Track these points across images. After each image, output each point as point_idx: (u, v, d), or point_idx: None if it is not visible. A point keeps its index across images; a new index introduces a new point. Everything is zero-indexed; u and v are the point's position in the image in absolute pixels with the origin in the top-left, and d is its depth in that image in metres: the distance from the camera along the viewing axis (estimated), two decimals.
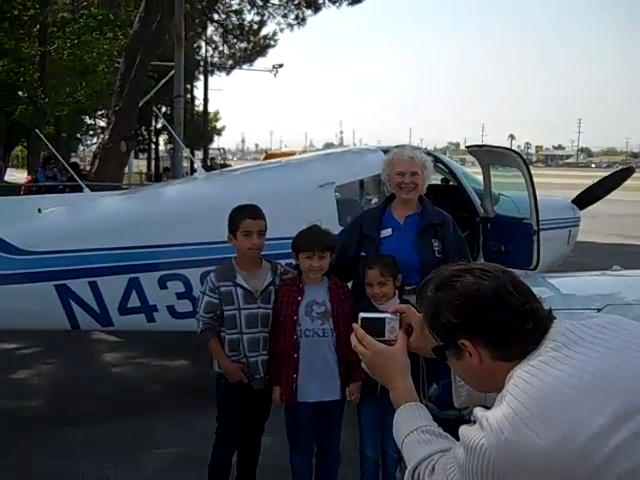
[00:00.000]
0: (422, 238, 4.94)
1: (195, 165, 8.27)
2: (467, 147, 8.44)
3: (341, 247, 4.90)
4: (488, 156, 7.96)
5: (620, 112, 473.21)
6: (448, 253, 4.89)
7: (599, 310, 5.38)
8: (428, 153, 8.70)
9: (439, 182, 9.33)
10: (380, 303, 4.47)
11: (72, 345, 8.52)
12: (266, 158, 40.51)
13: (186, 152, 14.77)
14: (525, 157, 7.73)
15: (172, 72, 21.89)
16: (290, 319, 4.47)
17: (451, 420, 4.64)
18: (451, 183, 9.05)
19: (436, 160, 8.75)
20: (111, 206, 7.53)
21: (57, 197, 8.66)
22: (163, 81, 25.04)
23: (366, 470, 4.70)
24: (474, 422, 1.91)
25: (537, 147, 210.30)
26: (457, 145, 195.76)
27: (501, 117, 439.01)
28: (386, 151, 7.97)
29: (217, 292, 4.59)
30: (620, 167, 11.23)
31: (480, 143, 8.67)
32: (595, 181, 10.09)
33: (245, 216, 4.67)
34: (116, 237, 6.35)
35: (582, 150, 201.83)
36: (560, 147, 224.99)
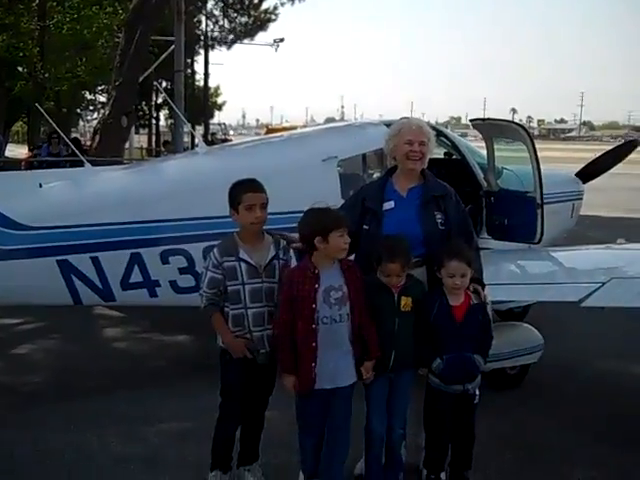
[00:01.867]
0: (425, 210, 4.89)
1: (196, 140, 8.19)
2: (471, 120, 8.35)
3: None
4: (492, 129, 7.88)
5: (623, 86, 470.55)
6: (451, 225, 4.87)
7: (604, 284, 5.38)
8: (431, 127, 8.70)
9: (442, 156, 9.26)
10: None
11: (75, 321, 8.52)
12: (267, 133, 40.43)
13: (187, 127, 14.69)
14: (529, 130, 7.65)
15: (172, 47, 21.75)
16: (309, 307, 4.32)
17: (452, 395, 4.67)
18: (454, 157, 8.98)
19: (439, 134, 8.68)
20: (112, 181, 7.47)
21: (58, 172, 8.58)
22: (163, 56, 24.86)
23: (372, 445, 4.68)
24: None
25: (539, 121, 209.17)
26: (458, 119, 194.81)
27: (503, 91, 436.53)
28: (389, 125, 7.94)
29: (220, 268, 4.54)
30: (623, 140, 11.11)
31: (483, 117, 8.51)
32: (599, 154, 10.00)
33: (246, 190, 4.62)
34: (118, 212, 6.32)
35: (584, 124, 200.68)
36: (562, 121, 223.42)
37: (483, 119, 8.05)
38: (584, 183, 9.70)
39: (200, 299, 4.65)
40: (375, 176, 8.08)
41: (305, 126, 48.05)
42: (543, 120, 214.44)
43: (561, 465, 5.31)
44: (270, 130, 41.59)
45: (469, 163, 8.09)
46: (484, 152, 8.24)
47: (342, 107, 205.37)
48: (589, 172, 9.82)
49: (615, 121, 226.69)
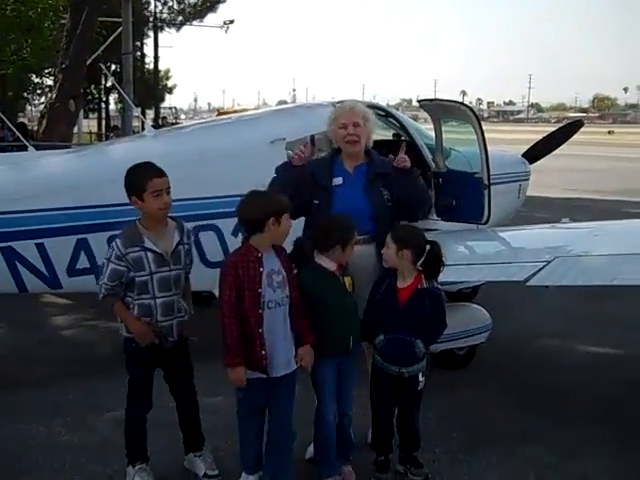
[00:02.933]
0: (371, 187, 4.98)
1: (145, 124, 8.06)
2: (419, 101, 8.36)
3: (291, 195, 4.72)
4: (439, 110, 7.90)
5: (570, 68, 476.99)
6: (398, 201, 4.97)
7: (548, 262, 5.44)
8: (379, 108, 8.70)
9: (391, 137, 9.26)
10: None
11: (21, 309, 8.37)
12: (219, 116, 40.14)
13: (136, 111, 14.49)
14: (477, 111, 7.68)
15: (120, 29, 21.43)
16: (254, 291, 4.20)
17: (391, 375, 4.70)
18: (403, 138, 8.99)
19: (388, 115, 8.72)
20: (57, 165, 7.32)
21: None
22: (111, 38, 24.52)
23: (325, 430, 4.64)
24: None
25: (488, 103, 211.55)
26: (409, 101, 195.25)
27: (453, 74, 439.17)
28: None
29: (124, 259, 4.38)
30: (569, 121, 11.22)
31: (431, 98, 8.54)
32: (545, 135, 10.10)
33: (152, 175, 4.46)
34: (62, 197, 6.20)
35: (532, 105, 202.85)
36: (511, 103, 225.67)
37: (431, 100, 8.08)
38: (530, 164, 9.80)
39: (99, 289, 4.49)
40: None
41: (256, 109, 47.91)
42: (493, 102, 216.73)
43: (509, 443, 5.37)
44: (221, 114, 41.08)
45: (417, 144, 8.10)
46: (432, 133, 8.28)
47: (294, 90, 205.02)
48: (535, 153, 9.93)
49: (562, 103, 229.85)
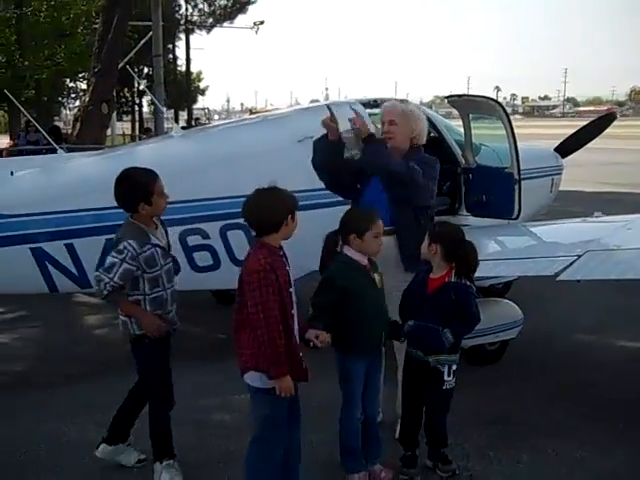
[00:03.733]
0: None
1: (172, 124, 8.10)
2: (447, 97, 8.31)
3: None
4: (468, 106, 7.85)
5: (606, 62, 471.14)
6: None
7: (579, 257, 5.37)
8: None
9: None
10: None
11: (52, 308, 8.46)
12: None
13: (166, 113, 14.57)
14: (505, 106, 7.59)
15: (151, 32, 21.60)
16: (288, 294, 4.04)
17: (418, 365, 4.65)
18: (432, 134, 8.93)
19: None
20: (85, 167, 7.39)
21: (30, 159, 8.47)
22: (143, 41, 24.70)
23: (351, 426, 4.61)
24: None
25: (523, 98, 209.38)
26: (442, 98, 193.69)
27: (487, 70, 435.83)
28: (365, 104, 7.89)
29: (137, 259, 4.43)
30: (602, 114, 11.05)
31: (460, 93, 8.47)
32: (578, 128, 9.97)
33: (155, 178, 4.61)
34: (91, 198, 6.24)
35: (568, 100, 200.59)
36: (546, 98, 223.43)
37: (459, 95, 8.01)
38: (563, 158, 9.68)
39: (101, 286, 4.41)
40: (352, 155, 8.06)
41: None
42: (527, 97, 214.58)
43: (539, 439, 5.31)
44: (254, 113, 41.43)
45: (446, 140, 8.05)
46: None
47: (326, 89, 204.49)
48: (568, 147, 9.80)
49: (598, 97, 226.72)
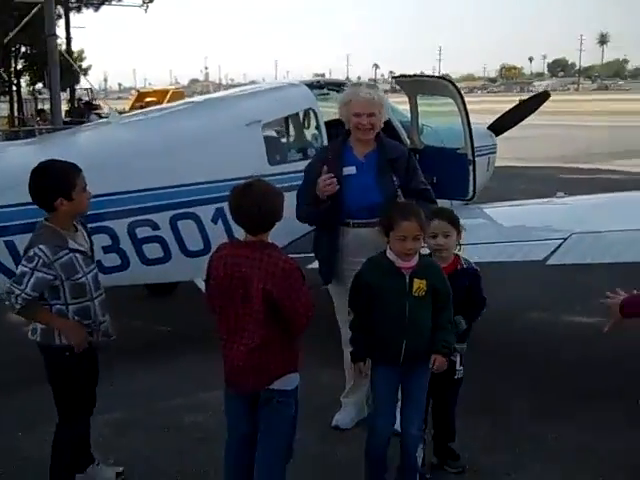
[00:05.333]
0: (382, 176, 4.92)
1: (107, 109, 7.53)
2: (394, 77, 8.16)
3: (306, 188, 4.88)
4: (417, 86, 7.71)
5: (478, 40, 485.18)
6: (407, 184, 4.95)
7: (565, 240, 5.30)
8: (341, 84, 8.43)
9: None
10: (406, 260, 4.04)
11: None
12: (138, 98, 39.17)
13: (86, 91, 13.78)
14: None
15: (35, 9, 20.60)
16: None
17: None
18: None
19: None
20: (19, 157, 6.78)
21: None
22: (27, 18, 23.38)
23: (372, 441, 4.29)
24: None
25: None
26: (323, 76, 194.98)
27: (365, 47, 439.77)
28: (309, 85, 7.63)
29: (53, 267, 3.92)
30: (537, 92, 11.14)
31: (403, 73, 8.24)
32: (511, 107, 10.01)
33: (77, 169, 4.10)
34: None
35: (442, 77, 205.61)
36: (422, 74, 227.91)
37: (410, 76, 7.87)
38: (497, 136, 9.72)
39: (12, 300, 3.92)
40: (297, 139, 7.81)
41: (178, 89, 46.95)
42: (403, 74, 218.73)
43: (533, 424, 5.24)
44: (141, 95, 40.30)
45: (390, 121, 7.87)
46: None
47: (206, 68, 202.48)
48: (501, 125, 9.85)
49: (471, 74, 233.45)
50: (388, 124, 7.84)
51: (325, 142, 7.18)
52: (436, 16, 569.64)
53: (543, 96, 10.13)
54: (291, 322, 3.76)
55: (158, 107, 9.77)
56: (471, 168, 7.30)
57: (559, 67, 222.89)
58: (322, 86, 7.96)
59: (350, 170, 4.91)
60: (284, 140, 7.70)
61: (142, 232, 6.33)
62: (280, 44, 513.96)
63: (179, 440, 5.14)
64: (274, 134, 7.58)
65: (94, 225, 5.81)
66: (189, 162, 6.57)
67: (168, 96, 34.54)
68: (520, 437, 5.08)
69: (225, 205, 6.49)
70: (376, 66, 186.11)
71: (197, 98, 10.29)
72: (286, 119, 7.68)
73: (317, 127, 7.37)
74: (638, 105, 55.17)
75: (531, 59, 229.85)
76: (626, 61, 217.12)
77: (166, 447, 5.04)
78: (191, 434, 5.23)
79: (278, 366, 3.82)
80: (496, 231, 6.48)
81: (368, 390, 4.64)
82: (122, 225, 6.18)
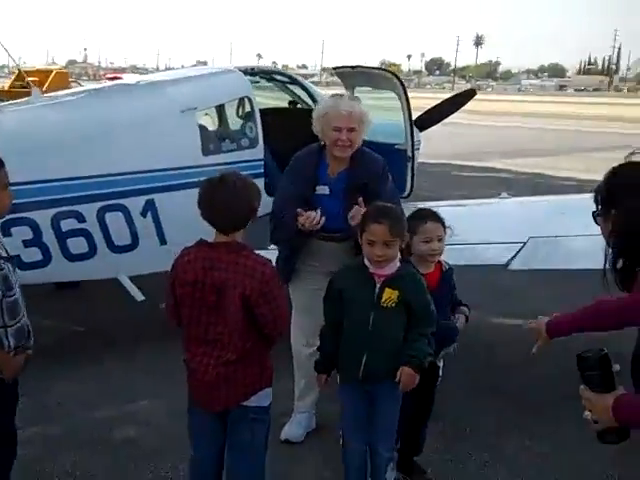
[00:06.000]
0: (350, 197, 4.38)
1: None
2: (334, 68, 7.87)
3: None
4: (358, 78, 7.46)
5: (359, 34, 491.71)
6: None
7: (524, 244, 5.15)
8: (283, 74, 8.11)
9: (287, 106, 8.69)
10: (380, 267, 3.71)
11: None
12: (17, 78, 37.10)
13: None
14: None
15: None
16: None
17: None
18: (299, 106, 8.46)
19: (293, 82, 8.21)
20: None
21: None
22: None
23: (344, 459, 3.99)
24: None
25: (283, 66, 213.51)
26: (205, 63, 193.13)
27: (248, 36, 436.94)
28: (244, 71, 7.26)
29: None
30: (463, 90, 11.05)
31: (346, 65, 7.93)
32: (436, 104, 9.88)
33: (0, 165, 3.45)
34: None
35: (324, 69, 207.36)
36: (304, 66, 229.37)
37: (353, 67, 7.59)
38: (421, 132, 9.56)
39: None
40: (232, 128, 7.43)
41: (63, 68, 44.90)
42: (287, 65, 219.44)
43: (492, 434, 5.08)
44: (21, 75, 38.15)
45: None
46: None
47: (85, 49, 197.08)
48: (426, 121, 9.68)
49: None
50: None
51: (260, 133, 6.85)
52: (319, 10, 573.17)
53: (469, 93, 10.08)
54: (268, 330, 3.45)
55: (86, 88, 9.07)
56: (410, 165, 7.10)
57: (435, 66, 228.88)
58: (255, 73, 7.60)
59: (323, 189, 4.54)
60: (219, 129, 7.29)
61: (66, 225, 5.87)
62: (161, 31, 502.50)
63: (115, 458, 4.62)
64: (209, 123, 7.18)
65: (14, 216, 5.37)
66: (119, 149, 6.15)
67: (51, 77, 32.90)
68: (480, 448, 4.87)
69: (155, 197, 6.27)
70: (259, 56, 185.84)
71: (128, 79, 9.72)
72: (221, 107, 7.27)
73: (252, 116, 6.99)
74: (507, 105, 57.09)
75: (409, 56, 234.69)
76: (498, 63, 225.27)
77: (102, 465, 4.54)
78: (127, 451, 4.71)
79: (255, 380, 3.51)
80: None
81: None
82: (45, 216, 5.73)
